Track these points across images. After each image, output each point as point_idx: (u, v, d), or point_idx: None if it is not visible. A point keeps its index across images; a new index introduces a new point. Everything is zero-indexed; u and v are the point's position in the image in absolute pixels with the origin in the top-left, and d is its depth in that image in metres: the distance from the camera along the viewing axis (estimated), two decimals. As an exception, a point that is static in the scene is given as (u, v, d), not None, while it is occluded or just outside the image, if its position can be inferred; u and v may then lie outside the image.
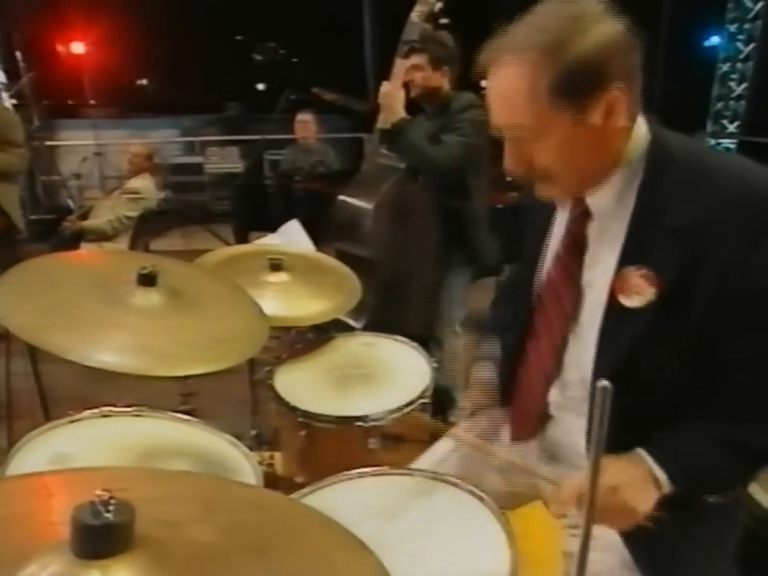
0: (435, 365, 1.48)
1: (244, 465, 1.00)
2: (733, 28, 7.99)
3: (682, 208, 0.89)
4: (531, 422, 1.10)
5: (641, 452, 0.91)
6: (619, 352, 0.94)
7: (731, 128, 8.47)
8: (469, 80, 2.54)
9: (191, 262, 1.53)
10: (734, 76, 8.07)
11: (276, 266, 1.56)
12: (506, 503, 1.00)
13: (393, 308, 2.42)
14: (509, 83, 0.89)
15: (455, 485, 0.98)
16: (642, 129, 0.95)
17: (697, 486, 0.93)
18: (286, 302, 1.50)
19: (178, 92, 9.91)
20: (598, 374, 0.96)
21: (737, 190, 0.88)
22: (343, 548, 0.55)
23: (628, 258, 0.94)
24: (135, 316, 1.13)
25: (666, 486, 0.88)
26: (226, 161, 7.43)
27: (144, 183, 3.88)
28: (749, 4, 7.78)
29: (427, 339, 2.35)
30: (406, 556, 0.81)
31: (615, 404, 0.92)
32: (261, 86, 10.23)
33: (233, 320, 1.24)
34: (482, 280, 2.90)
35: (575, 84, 0.86)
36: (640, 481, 0.88)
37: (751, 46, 7.84)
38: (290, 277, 1.57)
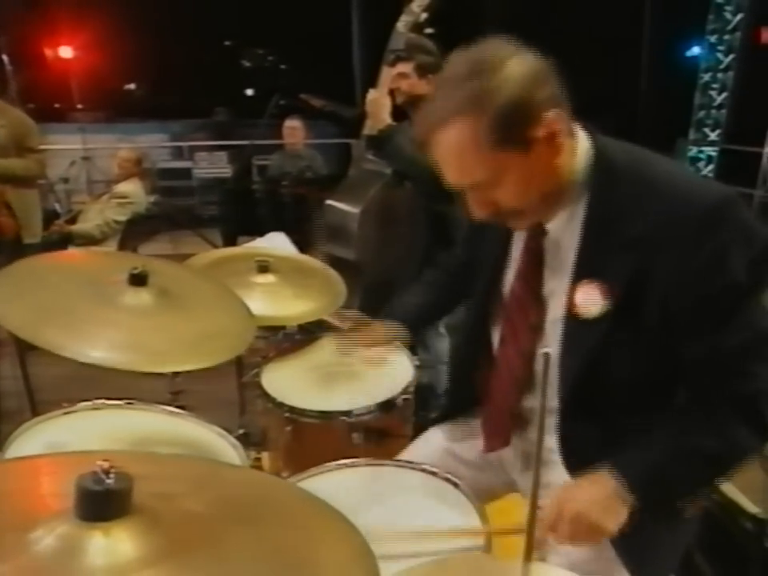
0: (417, 363, 1.52)
1: (232, 455, 1.05)
2: (713, 39, 8.17)
3: (631, 220, 0.93)
4: (504, 430, 1.14)
5: (604, 472, 0.92)
6: (580, 361, 0.99)
7: (713, 136, 8.63)
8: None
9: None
10: (714, 85, 8.24)
11: (263, 268, 1.60)
12: (483, 497, 1.05)
13: (379, 311, 2.47)
14: (452, 145, 0.92)
15: (433, 473, 1.02)
16: (584, 142, 0.99)
17: (663, 498, 0.96)
18: (272, 302, 1.55)
19: (167, 96, 9.92)
20: (563, 382, 1.01)
21: (682, 199, 0.91)
22: (325, 520, 0.59)
23: (581, 271, 0.98)
24: (126, 314, 1.16)
25: (632, 503, 0.90)
26: (214, 165, 7.47)
27: (133, 187, 3.91)
28: (728, 16, 7.95)
29: (412, 341, 2.40)
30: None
31: (583, 411, 0.99)
32: (249, 92, 10.27)
33: (221, 318, 1.28)
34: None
35: (511, 124, 0.89)
36: (606, 501, 0.90)
37: (731, 56, 8.00)
38: (276, 278, 1.62)
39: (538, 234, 1.05)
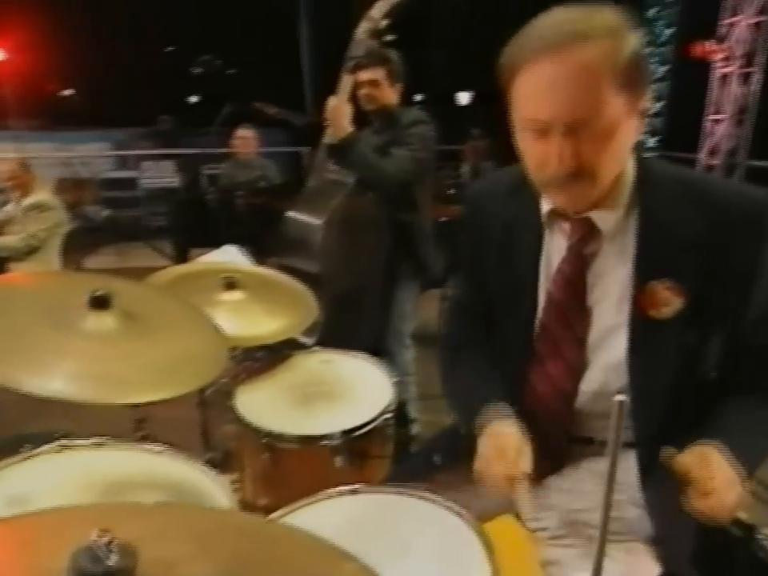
0: (395, 379, 1.48)
1: (216, 492, 0.97)
2: (647, 51, 8.51)
3: (687, 222, 0.95)
4: (557, 453, 1.09)
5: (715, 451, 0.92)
6: (662, 361, 0.97)
7: (651, 142, 8.98)
8: (412, 96, 2.60)
9: (129, 279, 1.47)
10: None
11: (230, 284, 1.53)
12: (477, 517, 1.01)
13: (344, 323, 2.41)
14: (576, 69, 0.85)
15: (434, 501, 0.97)
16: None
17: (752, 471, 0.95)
18: (242, 320, 1.47)
19: (107, 104, 9.56)
20: (637, 386, 0.99)
21: (733, 201, 0.95)
22: (345, 568, 0.54)
23: (646, 273, 0.97)
24: (88, 341, 1.07)
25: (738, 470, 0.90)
26: (161, 175, 7.23)
27: (42, 196, 3.72)
28: (659, 30, 8.31)
29: (378, 353, 2.36)
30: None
31: (656, 410, 0.96)
32: (194, 99, 10.02)
33: (191, 341, 1.20)
34: (427, 292, 2.94)
35: (635, 73, 0.87)
36: (727, 471, 0.90)
37: (666, 67, 8.35)
38: (245, 295, 1.54)
39: (587, 237, 1.01)
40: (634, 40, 0.87)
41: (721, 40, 6.99)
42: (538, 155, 0.93)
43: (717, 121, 7.04)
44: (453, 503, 0.94)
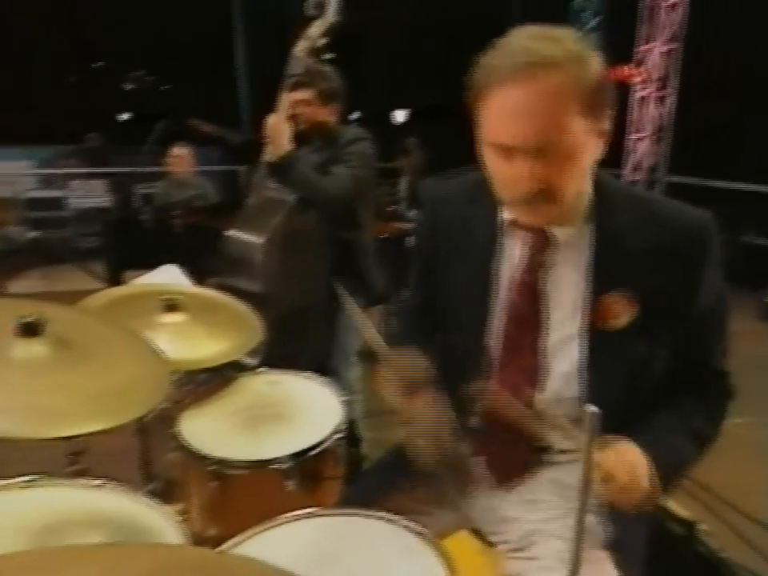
0: (345, 398, 1.46)
1: (163, 526, 0.92)
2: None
3: (638, 236, 0.99)
4: (521, 460, 1.10)
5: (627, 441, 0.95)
6: (608, 372, 1.01)
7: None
8: (349, 101, 2.62)
9: (60, 304, 1.39)
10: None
11: (171, 306, 1.47)
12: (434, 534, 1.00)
13: (288, 342, 2.37)
14: (542, 96, 0.87)
15: (392, 521, 0.96)
16: None
17: (669, 472, 0.98)
18: (183, 343, 1.42)
19: (30, 120, 9.11)
20: (588, 396, 1.01)
21: (678, 220, 1.00)
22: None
23: (600, 284, 1.00)
24: (16, 371, 1.01)
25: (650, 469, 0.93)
26: (91, 194, 6.93)
27: None
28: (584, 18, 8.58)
29: (324, 371, 2.34)
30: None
31: (614, 417, 0.98)
32: (125, 116, 9.68)
33: (130, 367, 1.14)
34: (371, 309, 2.94)
35: (597, 97, 0.90)
36: (640, 459, 0.93)
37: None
38: (186, 317, 1.49)
39: (543, 247, 1.04)
40: (596, 64, 0.91)
41: (638, 64, 7.42)
42: (504, 175, 0.96)
43: (638, 139, 7.44)
44: (411, 523, 0.93)
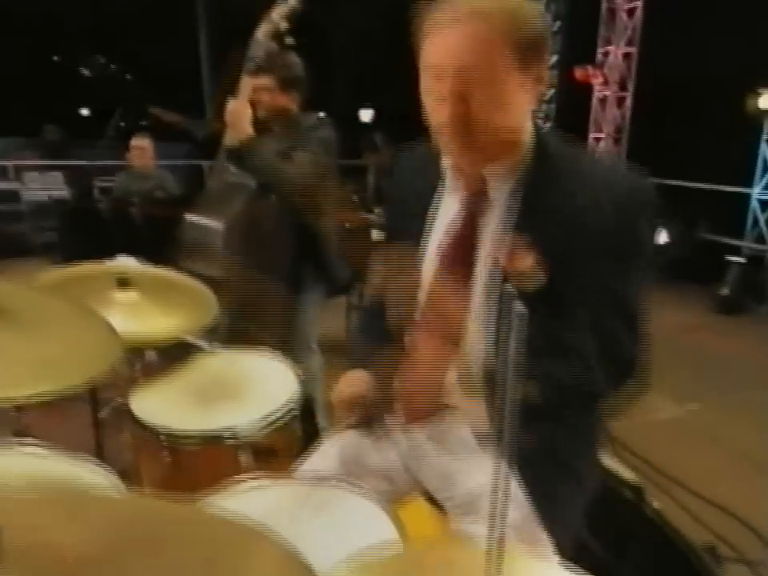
0: (300, 373, 1.46)
1: (111, 488, 0.90)
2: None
3: (570, 197, 1.01)
4: (428, 402, 1.13)
5: None
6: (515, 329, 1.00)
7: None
8: (314, 100, 2.62)
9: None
10: (540, 114, 9.13)
11: (123, 282, 1.45)
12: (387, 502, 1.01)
13: (247, 328, 2.36)
14: (476, 38, 0.94)
15: (338, 486, 0.96)
16: (529, 126, 1.07)
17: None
18: (136, 320, 1.40)
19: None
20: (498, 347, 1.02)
21: (608, 180, 1.03)
22: (247, 537, 0.52)
23: (520, 235, 1.01)
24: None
25: None
26: (48, 187, 6.72)
27: None
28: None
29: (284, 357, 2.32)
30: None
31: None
32: (85, 111, 9.42)
33: (75, 337, 1.12)
34: (334, 301, 2.94)
35: (530, 46, 0.96)
36: None
37: (552, 90, 8.91)
38: (139, 294, 1.46)
39: (479, 201, 1.07)
40: (531, 18, 0.97)
41: (599, 66, 7.60)
42: (435, 101, 1.01)
43: (598, 139, 7.62)
44: (365, 489, 0.94)
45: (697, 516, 2.26)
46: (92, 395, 1.83)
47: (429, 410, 1.14)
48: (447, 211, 1.14)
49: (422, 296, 1.13)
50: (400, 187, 1.25)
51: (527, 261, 0.99)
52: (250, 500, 0.96)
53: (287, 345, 2.57)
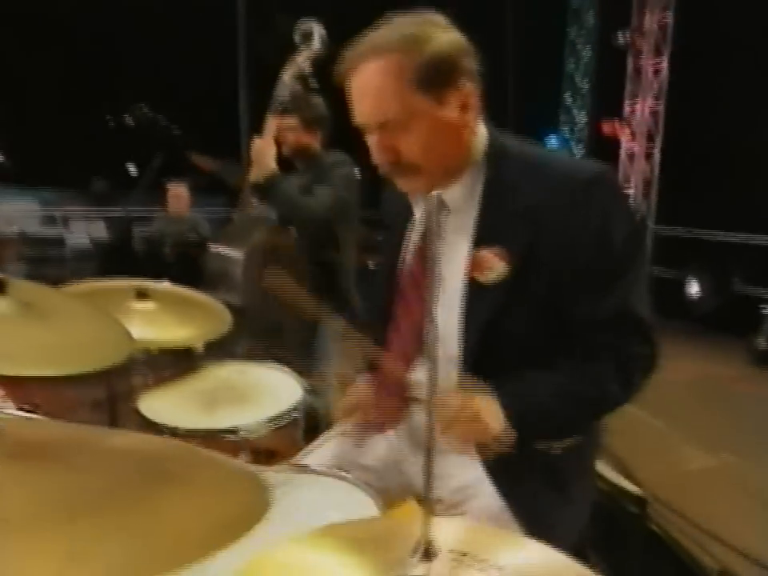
0: (308, 386, 1.49)
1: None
2: (566, 131, 9.33)
3: (522, 194, 1.02)
4: (396, 407, 1.15)
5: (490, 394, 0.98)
6: (481, 322, 1.03)
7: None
8: (338, 139, 2.74)
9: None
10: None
11: (142, 294, 1.52)
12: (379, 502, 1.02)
13: (267, 357, 2.40)
14: (376, 77, 0.97)
15: (323, 473, 0.98)
16: (483, 130, 1.09)
17: (535, 428, 1.01)
18: (152, 328, 1.46)
19: (38, 166, 9.38)
20: (464, 346, 1.05)
21: (564, 174, 1.03)
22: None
23: (480, 240, 1.04)
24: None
25: (508, 423, 0.96)
26: (91, 234, 7.05)
27: None
28: (575, 113, 9.10)
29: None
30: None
31: (483, 370, 1.01)
32: (132, 168, 9.88)
33: (87, 331, 1.19)
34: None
35: (434, 75, 0.97)
36: (490, 406, 0.97)
37: (581, 145, 9.07)
38: (156, 306, 1.54)
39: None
40: (432, 47, 0.98)
41: (626, 120, 7.72)
42: (371, 150, 1.05)
43: (627, 192, 7.64)
44: (358, 480, 0.95)
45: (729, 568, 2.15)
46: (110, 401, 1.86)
47: (399, 412, 1.16)
48: (415, 229, 1.19)
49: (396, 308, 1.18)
50: (389, 210, 1.30)
51: (491, 258, 1.02)
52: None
53: (305, 371, 2.61)
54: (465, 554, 0.56)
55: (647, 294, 1.05)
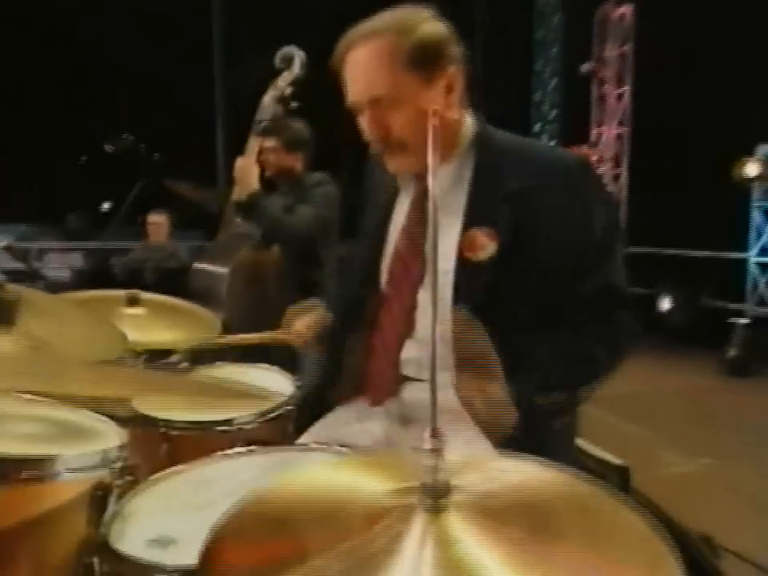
0: (298, 383, 1.52)
1: (107, 429, 0.96)
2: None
3: (509, 178, 1.11)
4: (388, 382, 1.21)
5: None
6: (473, 298, 1.09)
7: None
8: (320, 160, 2.82)
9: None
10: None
11: (133, 300, 1.56)
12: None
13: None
14: (369, 55, 1.07)
15: (321, 450, 1.02)
16: (469, 120, 1.19)
17: (531, 387, 1.06)
18: (143, 332, 1.49)
19: (11, 201, 9.32)
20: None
21: (549, 159, 1.13)
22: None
23: (471, 221, 1.12)
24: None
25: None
26: (68, 266, 7.00)
27: None
28: (545, 140, 9.37)
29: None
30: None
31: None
32: (106, 206, 9.84)
33: (84, 331, 1.23)
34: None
35: (424, 56, 1.07)
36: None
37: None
38: (146, 311, 1.57)
39: (425, 191, 1.17)
40: (421, 31, 1.08)
41: (593, 145, 8.01)
42: (363, 129, 1.13)
43: (597, 214, 7.87)
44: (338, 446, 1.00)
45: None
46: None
47: (390, 387, 1.21)
48: (401, 213, 1.25)
49: (383, 290, 1.24)
50: (373, 185, 1.37)
51: (481, 241, 1.09)
52: (238, 463, 1.02)
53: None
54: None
55: (624, 267, 1.14)
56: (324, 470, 0.70)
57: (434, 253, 0.65)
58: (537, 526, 0.56)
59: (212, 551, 0.55)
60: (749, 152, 5.53)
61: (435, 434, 0.58)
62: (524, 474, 0.64)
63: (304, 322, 1.46)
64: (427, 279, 1.16)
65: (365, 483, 0.61)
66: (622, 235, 1.18)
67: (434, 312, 0.63)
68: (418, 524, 0.54)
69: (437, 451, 0.57)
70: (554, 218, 1.08)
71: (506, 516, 0.57)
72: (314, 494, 0.62)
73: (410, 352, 1.18)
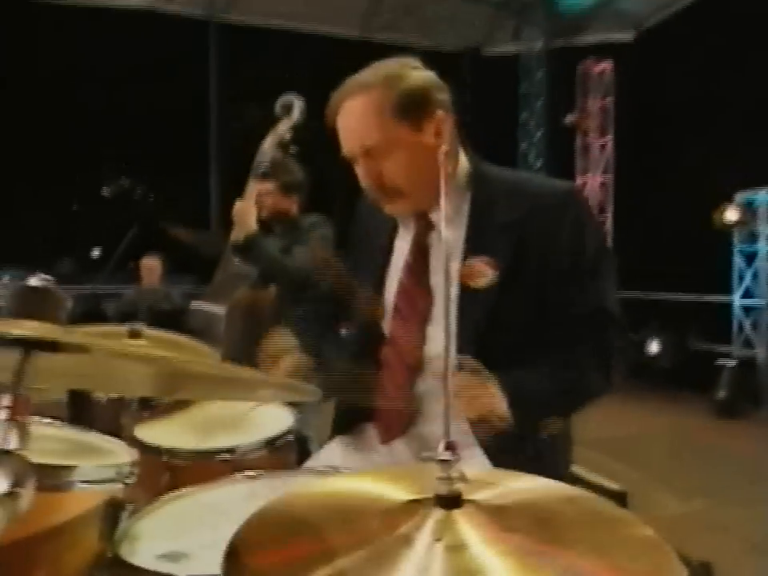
0: (299, 414, 1.54)
1: (116, 447, 0.98)
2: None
3: (506, 210, 1.18)
4: (400, 419, 1.22)
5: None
6: (475, 323, 1.15)
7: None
8: (316, 202, 2.89)
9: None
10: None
11: (135, 334, 1.59)
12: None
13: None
14: (359, 109, 1.14)
15: (325, 473, 1.05)
16: (464, 159, 1.26)
17: (527, 410, 1.09)
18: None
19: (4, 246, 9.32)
20: (461, 345, 1.14)
21: (540, 191, 1.20)
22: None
23: (470, 252, 1.18)
24: None
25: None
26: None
27: None
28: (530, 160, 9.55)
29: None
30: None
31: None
32: (96, 252, 9.88)
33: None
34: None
35: (411, 104, 1.14)
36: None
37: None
38: (147, 344, 1.60)
39: (426, 230, 1.23)
40: (407, 81, 1.16)
41: (578, 193, 8.24)
42: (359, 178, 1.20)
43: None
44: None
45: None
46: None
47: (402, 424, 1.23)
48: (401, 250, 1.31)
49: (387, 326, 1.28)
50: (367, 224, 1.41)
51: (481, 269, 1.15)
52: (243, 487, 1.04)
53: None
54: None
55: (616, 292, 1.20)
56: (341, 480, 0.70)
57: (446, 285, 0.69)
58: (545, 532, 0.58)
59: (236, 553, 0.58)
60: (728, 198, 5.73)
61: (450, 446, 0.60)
62: (532, 483, 0.67)
63: (288, 362, 1.44)
64: (435, 311, 1.20)
65: (381, 491, 0.63)
66: (612, 259, 1.24)
67: (447, 327, 0.67)
68: (429, 531, 0.56)
69: (450, 463, 0.59)
70: (547, 245, 1.15)
71: (514, 522, 0.59)
72: (334, 498, 0.64)
73: (421, 386, 1.21)
